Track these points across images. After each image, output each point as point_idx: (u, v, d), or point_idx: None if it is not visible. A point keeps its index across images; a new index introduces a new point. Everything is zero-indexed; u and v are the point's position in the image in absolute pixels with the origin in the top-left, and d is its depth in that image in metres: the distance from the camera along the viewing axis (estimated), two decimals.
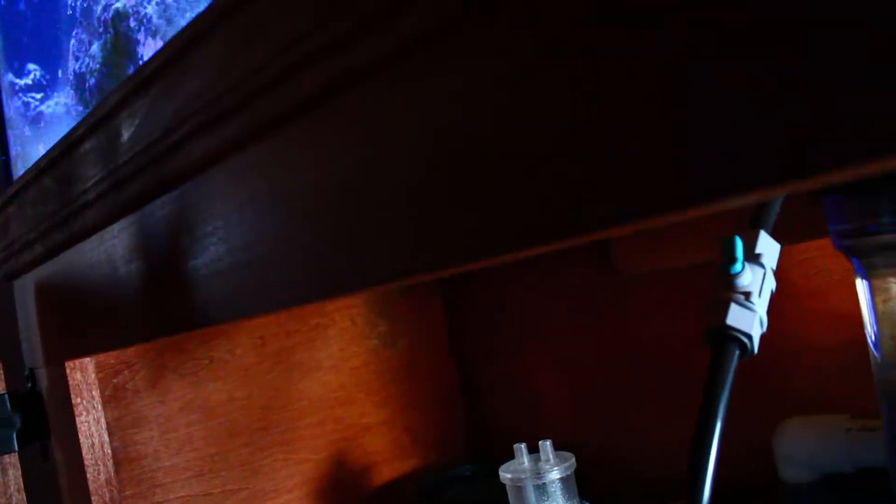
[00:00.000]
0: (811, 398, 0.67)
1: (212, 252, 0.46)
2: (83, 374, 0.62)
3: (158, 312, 0.52)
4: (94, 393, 0.62)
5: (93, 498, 0.62)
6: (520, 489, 0.63)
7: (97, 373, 0.63)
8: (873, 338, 0.50)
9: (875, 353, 0.50)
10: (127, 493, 0.65)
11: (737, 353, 0.46)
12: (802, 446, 0.63)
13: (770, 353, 0.69)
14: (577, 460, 0.64)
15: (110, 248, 0.52)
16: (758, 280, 0.47)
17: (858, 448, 0.60)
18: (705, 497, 0.40)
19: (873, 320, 0.50)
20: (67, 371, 0.60)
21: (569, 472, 0.63)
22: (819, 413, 0.63)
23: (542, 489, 0.62)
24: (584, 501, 0.64)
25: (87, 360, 0.62)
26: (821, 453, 0.62)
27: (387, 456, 0.88)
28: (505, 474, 0.64)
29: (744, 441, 0.65)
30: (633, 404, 0.82)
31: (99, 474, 0.62)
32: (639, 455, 0.82)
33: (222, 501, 0.73)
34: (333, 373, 0.84)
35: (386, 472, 0.87)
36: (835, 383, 0.66)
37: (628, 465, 0.83)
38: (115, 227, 0.51)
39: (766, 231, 0.48)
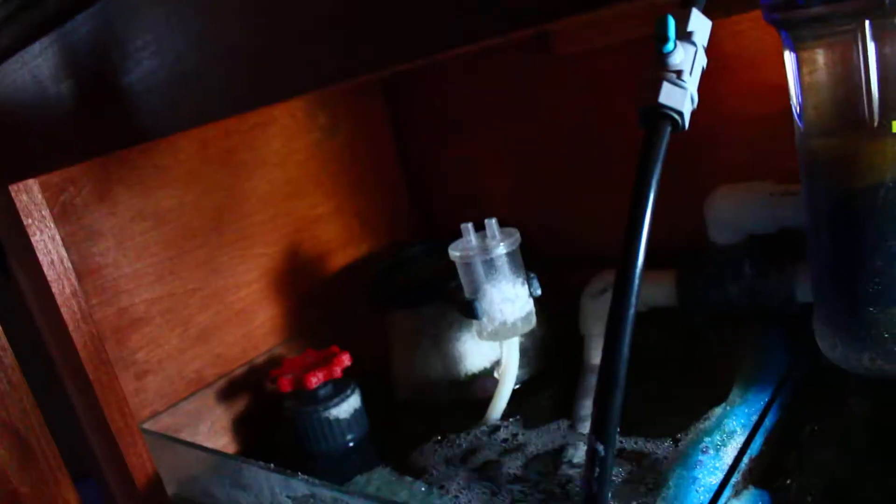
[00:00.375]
0: (740, 166, 0.70)
1: (145, 66, 0.44)
2: (29, 196, 0.61)
3: (96, 130, 0.52)
4: (43, 212, 0.62)
5: (62, 310, 0.64)
6: (469, 265, 0.66)
7: (43, 192, 0.63)
8: (798, 109, 0.52)
9: (799, 123, 0.53)
10: (93, 302, 0.68)
11: (668, 129, 0.48)
12: (730, 210, 0.67)
13: (702, 124, 0.71)
14: (520, 236, 0.68)
15: (35, 70, 0.50)
16: (689, 58, 0.48)
17: (780, 210, 0.64)
18: (639, 262, 0.43)
19: (799, 92, 0.52)
20: (13, 194, 0.60)
21: (514, 247, 0.67)
22: (747, 180, 0.67)
23: (490, 264, 0.66)
24: (530, 273, 0.68)
25: (30, 181, 0.62)
26: (746, 215, 0.66)
27: (339, 243, 0.91)
28: (454, 252, 0.67)
29: (677, 207, 0.69)
30: (571, 181, 0.85)
31: (64, 288, 0.64)
32: (578, 228, 0.86)
33: (186, 300, 0.76)
34: (279, 168, 0.84)
35: (340, 258, 0.91)
36: (762, 152, 0.69)
37: (569, 238, 0.87)
38: (36, 47, 0.49)
39: (698, 8, 0.48)
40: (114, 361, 0.69)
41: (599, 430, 0.39)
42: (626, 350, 0.39)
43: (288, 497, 0.56)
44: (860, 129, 0.49)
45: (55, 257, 0.63)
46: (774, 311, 0.68)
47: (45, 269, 0.62)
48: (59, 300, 0.63)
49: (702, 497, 0.51)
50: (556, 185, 0.87)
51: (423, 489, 0.62)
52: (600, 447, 0.39)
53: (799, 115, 0.53)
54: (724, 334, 0.70)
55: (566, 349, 0.77)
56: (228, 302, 0.80)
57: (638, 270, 0.41)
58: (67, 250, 0.65)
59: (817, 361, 0.59)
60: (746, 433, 0.57)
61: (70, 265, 0.64)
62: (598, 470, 0.39)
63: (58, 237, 0.63)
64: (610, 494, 0.41)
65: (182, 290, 0.76)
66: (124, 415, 0.67)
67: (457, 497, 0.60)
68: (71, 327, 0.64)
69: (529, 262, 0.70)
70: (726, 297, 0.69)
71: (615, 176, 0.71)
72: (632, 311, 0.40)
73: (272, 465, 0.57)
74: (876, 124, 0.48)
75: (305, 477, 0.54)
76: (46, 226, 0.63)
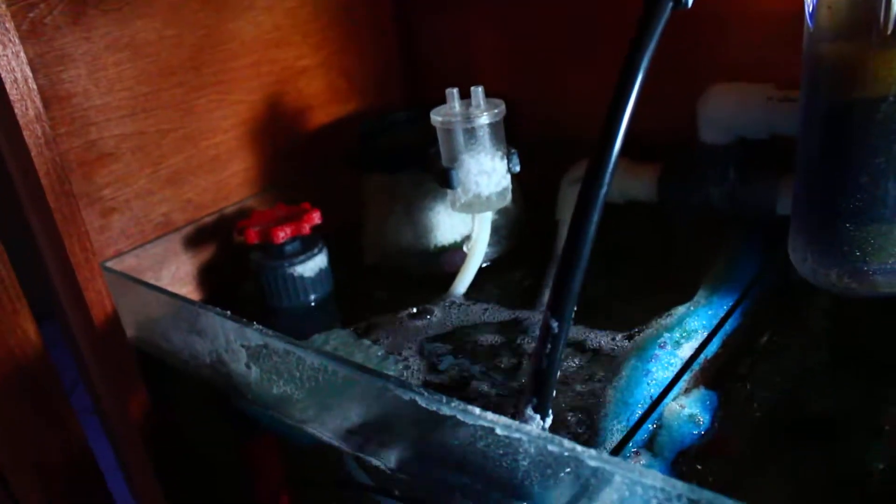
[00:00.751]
0: (743, 65, 0.68)
1: None
2: None
3: None
4: (7, 25, 0.59)
5: (24, 132, 0.61)
6: (449, 132, 0.65)
7: (8, 6, 0.59)
8: (811, 7, 0.50)
9: (809, 23, 0.50)
10: (60, 131, 0.65)
11: (670, 4, 0.45)
12: (723, 109, 0.65)
13: (708, 15, 0.68)
14: (508, 113, 0.66)
15: None
16: None
17: (775, 116, 0.62)
18: (618, 138, 0.42)
19: None
20: None
21: (498, 119, 0.65)
22: (748, 81, 0.65)
23: (471, 133, 0.64)
24: (511, 149, 0.67)
25: None
26: (739, 117, 0.65)
27: (323, 99, 0.88)
28: (436, 117, 0.65)
29: (672, 100, 0.67)
30: (566, 63, 0.82)
31: (27, 110, 0.61)
32: (566, 112, 0.84)
33: (158, 140, 0.74)
34: (267, 13, 0.80)
35: (321, 115, 0.88)
36: (768, 53, 0.66)
37: (555, 121, 0.85)
38: None
39: None
40: (78, 195, 0.67)
41: (556, 306, 0.39)
42: (591, 228, 0.39)
43: (242, 346, 0.57)
44: (872, 36, 0.47)
45: (19, 76, 0.60)
46: (753, 219, 0.67)
47: (7, 86, 0.59)
48: (21, 122, 0.61)
49: (652, 390, 0.52)
50: (550, 65, 0.84)
51: (378, 353, 0.63)
52: (555, 323, 0.39)
53: (811, 15, 0.50)
54: (701, 236, 0.70)
55: (541, 234, 0.76)
56: (202, 147, 0.78)
57: (615, 146, 0.39)
58: (34, 72, 0.62)
59: (787, 275, 0.59)
60: (705, 334, 0.57)
61: (35, 87, 0.61)
62: (549, 346, 0.39)
63: (23, 55, 0.60)
64: (558, 373, 0.41)
65: (155, 130, 0.73)
66: (85, 250, 0.66)
67: (407, 365, 0.61)
68: (34, 152, 0.62)
69: (514, 139, 0.68)
70: (707, 198, 0.68)
71: (613, 64, 0.68)
72: (603, 189, 0.39)
73: (229, 312, 0.57)
74: (889, 32, 0.46)
75: (260, 327, 0.54)
76: (10, 40, 0.59)
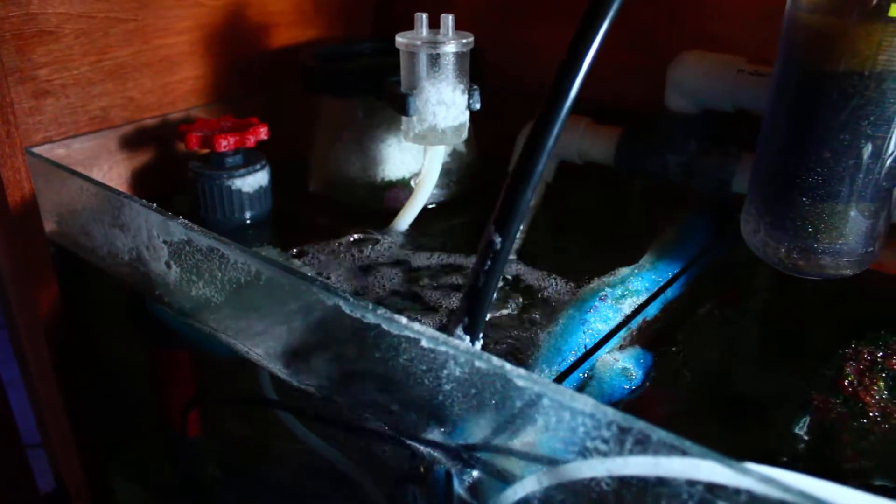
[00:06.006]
0: (719, 36, 0.66)
1: None
2: None
3: None
4: None
5: None
6: (413, 56, 0.62)
7: None
8: None
9: None
10: None
11: None
12: (692, 78, 0.63)
13: None
14: (475, 60, 0.63)
15: None
16: None
17: (743, 90, 0.60)
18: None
19: None
20: None
21: (465, 50, 0.62)
22: (721, 51, 0.63)
23: (435, 61, 0.61)
24: (473, 85, 0.64)
25: None
26: (708, 88, 0.63)
27: (287, 19, 0.84)
28: (400, 40, 0.62)
29: (646, 71, 0.65)
30: (538, 12, 0.80)
31: None
32: (532, 65, 0.81)
33: (106, 28, 0.69)
34: None
35: (283, 35, 0.84)
36: (747, 25, 0.65)
37: (520, 74, 0.82)
38: None
39: None
40: (9, 70, 0.62)
41: (501, 219, 0.36)
42: (549, 142, 0.36)
43: (164, 242, 0.52)
44: (855, 6, 0.45)
45: None
46: (708, 192, 0.66)
47: None
48: None
49: (587, 340, 0.50)
50: (526, 11, 0.81)
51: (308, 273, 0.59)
52: (497, 238, 0.36)
53: None
54: (654, 203, 0.68)
55: (494, 184, 0.73)
56: (153, 45, 0.73)
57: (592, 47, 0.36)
58: None
59: (735, 252, 0.57)
60: (647, 296, 0.55)
61: None
62: (489, 263, 0.36)
63: None
64: (493, 296, 0.38)
65: (104, 16, 0.68)
66: (7, 123, 0.61)
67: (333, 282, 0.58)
68: None
69: (476, 74, 0.65)
70: (664, 166, 0.66)
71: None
72: (569, 102, 0.36)
73: (155, 205, 0.53)
74: (874, 3, 0.44)
75: (185, 221, 0.50)
76: None
